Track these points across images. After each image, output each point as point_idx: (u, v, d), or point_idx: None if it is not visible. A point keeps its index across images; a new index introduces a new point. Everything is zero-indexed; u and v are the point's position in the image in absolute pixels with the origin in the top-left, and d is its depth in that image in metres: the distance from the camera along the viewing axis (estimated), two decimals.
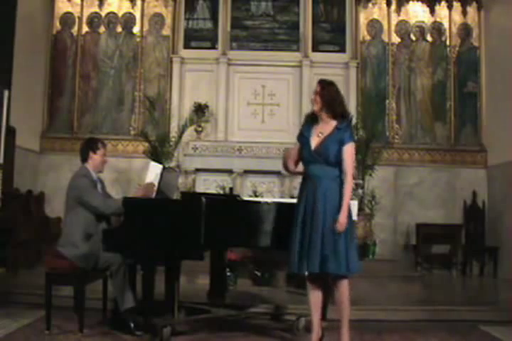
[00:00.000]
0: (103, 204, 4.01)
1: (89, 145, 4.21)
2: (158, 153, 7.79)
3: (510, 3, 7.87)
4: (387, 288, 5.97)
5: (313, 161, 3.48)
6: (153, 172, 4.12)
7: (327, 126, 3.50)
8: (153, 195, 4.01)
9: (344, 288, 3.43)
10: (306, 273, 4.93)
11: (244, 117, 8.72)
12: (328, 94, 3.49)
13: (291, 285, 5.57)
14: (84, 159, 4.20)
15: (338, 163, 3.43)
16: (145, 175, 4.25)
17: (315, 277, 3.50)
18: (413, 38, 8.83)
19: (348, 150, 3.43)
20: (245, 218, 3.83)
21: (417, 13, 8.85)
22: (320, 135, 3.49)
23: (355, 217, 5.38)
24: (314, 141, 3.49)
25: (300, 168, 3.65)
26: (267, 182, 8.26)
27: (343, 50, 8.82)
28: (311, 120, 3.58)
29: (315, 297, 3.52)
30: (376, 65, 8.78)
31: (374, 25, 8.83)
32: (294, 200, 3.73)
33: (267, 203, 3.94)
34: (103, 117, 8.64)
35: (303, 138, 3.57)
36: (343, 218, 3.34)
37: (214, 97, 8.63)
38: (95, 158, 4.18)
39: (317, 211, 3.39)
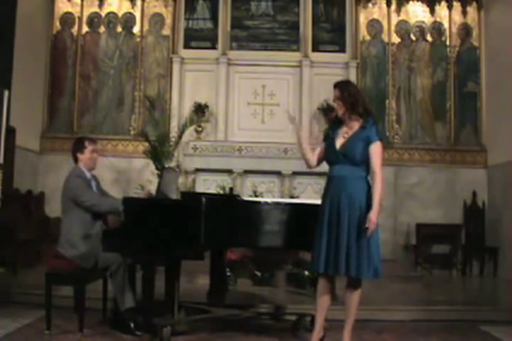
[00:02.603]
0: (97, 202, 4.04)
1: (75, 147, 4.26)
2: (158, 153, 7.79)
3: (510, 3, 7.87)
4: (387, 288, 5.97)
5: (337, 161, 3.45)
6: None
7: (353, 126, 3.49)
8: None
9: (359, 291, 3.44)
10: (306, 273, 4.92)
11: (244, 117, 8.71)
12: (348, 96, 3.46)
13: (291, 285, 5.57)
14: (75, 161, 4.25)
15: (363, 163, 3.41)
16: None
17: (327, 279, 3.46)
18: (413, 38, 8.82)
19: (375, 149, 3.41)
20: (245, 218, 3.83)
21: (417, 13, 8.84)
22: (345, 136, 3.48)
23: None
24: (339, 142, 3.47)
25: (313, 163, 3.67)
26: (267, 182, 8.26)
27: (343, 50, 8.81)
28: (338, 123, 3.56)
29: (324, 299, 3.47)
30: (376, 64, 8.77)
31: (374, 25, 8.83)
32: (294, 200, 3.73)
33: (266, 203, 3.95)
34: (103, 117, 8.64)
35: (328, 139, 3.56)
36: (374, 217, 3.29)
37: (214, 97, 8.63)
38: (83, 157, 4.21)
39: (343, 212, 3.36)
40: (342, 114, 3.50)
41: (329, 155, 3.51)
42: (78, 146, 4.24)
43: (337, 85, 3.55)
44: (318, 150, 3.64)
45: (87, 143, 4.24)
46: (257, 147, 8.29)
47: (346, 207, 3.36)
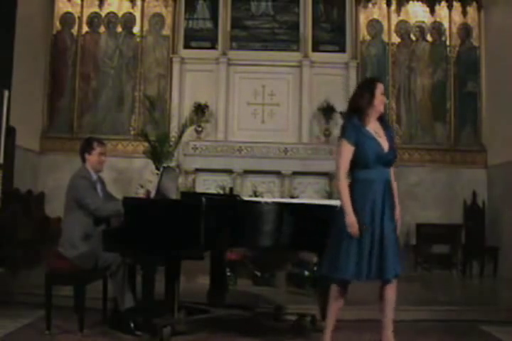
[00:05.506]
0: (101, 206, 4.01)
1: (84, 147, 4.24)
2: (158, 153, 7.78)
3: (510, 3, 7.87)
4: None
5: (382, 164, 3.33)
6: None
7: (375, 124, 3.39)
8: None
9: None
10: (307, 273, 4.86)
11: (244, 117, 8.71)
12: None
13: (292, 285, 5.57)
14: (83, 160, 4.23)
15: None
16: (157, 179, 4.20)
17: (347, 284, 3.40)
18: (413, 38, 8.82)
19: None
20: (245, 218, 3.83)
21: (417, 13, 8.84)
22: (379, 136, 3.37)
23: None
24: (383, 143, 3.35)
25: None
26: (267, 182, 8.26)
27: (343, 50, 8.81)
28: (351, 120, 3.39)
29: (340, 304, 3.43)
30: (376, 64, 8.77)
31: (374, 25, 8.83)
32: (294, 200, 3.70)
33: (266, 203, 3.94)
34: (103, 117, 8.64)
35: (366, 138, 3.31)
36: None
37: (214, 97, 8.62)
38: (91, 158, 4.19)
39: (387, 216, 3.31)
40: (382, 110, 3.40)
41: (375, 157, 3.30)
42: (86, 147, 4.22)
43: (382, 81, 3.47)
44: (350, 155, 3.31)
45: (95, 145, 4.22)
46: (257, 147, 8.29)
47: (389, 209, 3.33)
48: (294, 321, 4.20)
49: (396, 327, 3.62)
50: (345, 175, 3.32)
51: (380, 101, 3.37)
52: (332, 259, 3.32)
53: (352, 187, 3.33)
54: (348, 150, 3.30)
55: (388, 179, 3.36)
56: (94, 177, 4.21)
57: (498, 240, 7.78)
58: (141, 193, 4.09)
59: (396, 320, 4.65)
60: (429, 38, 8.82)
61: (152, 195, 4.04)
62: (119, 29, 8.81)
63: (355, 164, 3.33)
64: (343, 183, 3.31)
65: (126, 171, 8.35)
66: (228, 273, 5.29)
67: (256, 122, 8.70)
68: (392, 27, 8.80)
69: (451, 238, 7.95)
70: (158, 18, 8.83)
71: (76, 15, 8.75)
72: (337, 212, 3.35)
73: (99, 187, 4.22)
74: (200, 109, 8.41)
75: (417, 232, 7.98)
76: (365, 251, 3.25)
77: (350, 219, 3.25)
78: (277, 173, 8.21)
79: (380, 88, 3.38)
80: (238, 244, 4.15)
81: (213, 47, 8.80)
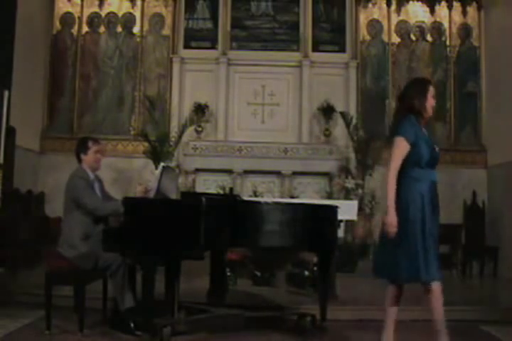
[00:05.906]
0: (99, 206, 4.01)
1: (79, 148, 4.23)
2: (158, 153, 7.79)
3: (510, 3, 7.87)
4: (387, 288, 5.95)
5: (430, 165, 3.39)
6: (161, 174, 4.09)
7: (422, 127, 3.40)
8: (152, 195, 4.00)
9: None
10: (307, 273, 4.86)
11: (244, 117, 8.72)
12: None
13: (291, 285, 5.57)
14: (79, 161, 4.23)
15: None
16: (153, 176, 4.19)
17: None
18: (413, 38, 8.83)
19: None
20: (245, 218, 3.83)
21: (417, 13, 8.85)
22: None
23: (354, 217, 5.40)
24: (434, 144, 3.39)
25: None
26: (267, 182, 8.26)
27: (343, 50, 8.82)
28: (414, 120, 3.38)
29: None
30: (376, 64, 8.78)
31: (374, 25, 8.83)
32: (294, 200, 3.71)
33: (267, 203, 3.94)
34: (103, 117, 8.64)
35: (423, 139, 3.37)
36: None
37: (214, 97, 8.63)
38: (86, 158, 4.18)
39: (437, 216, 3.32)
40: (431, 114, 3.43)
41: (429, 157, 3.38)
42: (81, 147, 4.21)
43: (431, 83, 3.48)
44: (405, 153, 3.31)
45: (90, 144, 4.21)
46: (257, 147, 8.29)
47: (437, 212, 3.34)
48: (295, 321, 4.20)
49: (396, 327, 3.63)
50: (395, 174, 3.26)
51: (430, 105, 3.42)
52: (412, 263, 3.25)
53: (399, 181, 3.29)
54: (404, 148, 3.28)
55: (435, 180, 3.38)
56: (92, 176, 4.21)
57: (498, 240, 7.78)
58: (138, 191, 4.07)
59: (396, 319, 4.66)
60: (429, 38, 8.83)
61: (151, 194, 4.03)
62: (119, 29, 8.81)
63: (405, 162, 3.31)
64: (392, 182, 3.24)
65: (126, 171, 8.35)
66: (228, 273, 5.29)
67: (256, 122, 8.70)
68: (392, 27, 8.80)
69: (451, 238, 7.93)
70: (158, 18, 8.84)
71: (76, 15, 8.76)
72: (399, 218, 3.22)
73: (96, 186, 4.21)
74: (200, 109, 8.42)
75: None
76: (430, 249, 3.23)
77: (392, 219, 3.19)
78: (277, 173, 8.21)
79: (431, 91, 3.44)
80: (238, 244, 4.15)
81: (213, 47, 8.80)
